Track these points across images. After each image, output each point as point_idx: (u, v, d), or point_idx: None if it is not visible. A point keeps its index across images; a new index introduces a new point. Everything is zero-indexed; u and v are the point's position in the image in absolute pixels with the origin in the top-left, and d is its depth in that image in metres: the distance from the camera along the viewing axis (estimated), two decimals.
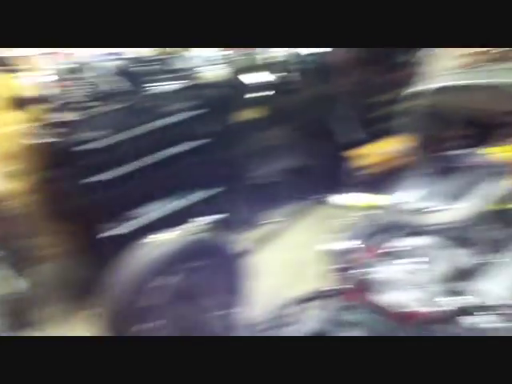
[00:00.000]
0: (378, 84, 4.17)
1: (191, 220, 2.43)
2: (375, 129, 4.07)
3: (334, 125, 4.17)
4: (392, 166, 3.44)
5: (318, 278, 1.82)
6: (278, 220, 4.06)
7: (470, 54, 2.25)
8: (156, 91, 3.33)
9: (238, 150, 3.80)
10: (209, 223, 2.46)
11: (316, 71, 3.94)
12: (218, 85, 3.54)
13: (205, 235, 2.34)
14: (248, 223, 3.97)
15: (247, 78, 3.54)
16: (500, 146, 1.92)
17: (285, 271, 3.28)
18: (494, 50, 2.21)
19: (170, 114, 3.35)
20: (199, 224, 2.38)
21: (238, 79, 3.55)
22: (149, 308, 2.11)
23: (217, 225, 2.52)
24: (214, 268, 2.33)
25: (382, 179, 1.78)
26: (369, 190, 1.94)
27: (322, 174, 4.14)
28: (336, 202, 3.00)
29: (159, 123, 3.27)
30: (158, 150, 3.24)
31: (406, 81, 2.96)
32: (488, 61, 2.13)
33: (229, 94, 3.57)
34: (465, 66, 2.17)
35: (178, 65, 3.56)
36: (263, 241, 3.81)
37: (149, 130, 3.22)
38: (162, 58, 3.51)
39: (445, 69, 2.25)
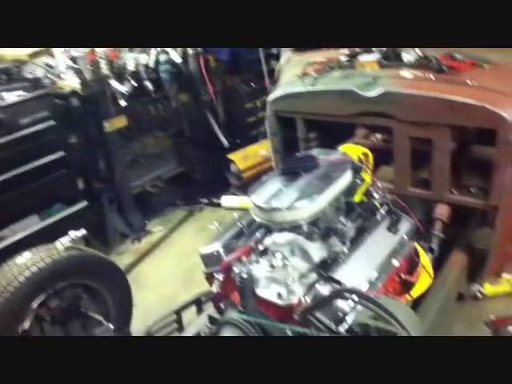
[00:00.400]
0: (247, 91, 4.35)
1: (62, 236, 2.29)
2: (250, 133, 4.28)
3: (210, 131, 4.24)
4: (261, 167, 3.63)
5: (203, 283, 1.87)
6: (162, 228, 4.02)
7: (320, 62, 2.44)
8: (8, 102, 3.07)
9: (110, 159, 3.67)
10: (81, 239, 2.35)
11: (185, 79, 3.96)
12: (79, 94, 3.37)
13: (82, 251, 2.25)
14: (131, 234, 3.86)
15: (112, 87, 3.43)
16: (350, 144, 2.15)
17: (173, 279, 3.27)
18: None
19: (26, 125, 3.11)
20: (71, 240, 2.26)
21: (101, 88, 3.42)
22: (29, 331, 2.01)
23: (92, 239, 2.42)
24: (99, 283, 2.24)
25: (253, 181, 1.88)
26: (244, 192, 2.03)
27: (202, 179, 4.21)
28: (220, 205, 3.06)
29: (16, 136, 3.02)
30: (19, 165, 3.01)
31: (270, 88, 3.14)
32: (337, 67, 2.33)
33: (93, 103, 3.43)
34: (316, 71, 2.34)
35: (32, 74, 3.32)
36: (149, 251, 3.74)
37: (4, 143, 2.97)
38: (15, 66, 3.25)
39: (296, 75, 2.40)
